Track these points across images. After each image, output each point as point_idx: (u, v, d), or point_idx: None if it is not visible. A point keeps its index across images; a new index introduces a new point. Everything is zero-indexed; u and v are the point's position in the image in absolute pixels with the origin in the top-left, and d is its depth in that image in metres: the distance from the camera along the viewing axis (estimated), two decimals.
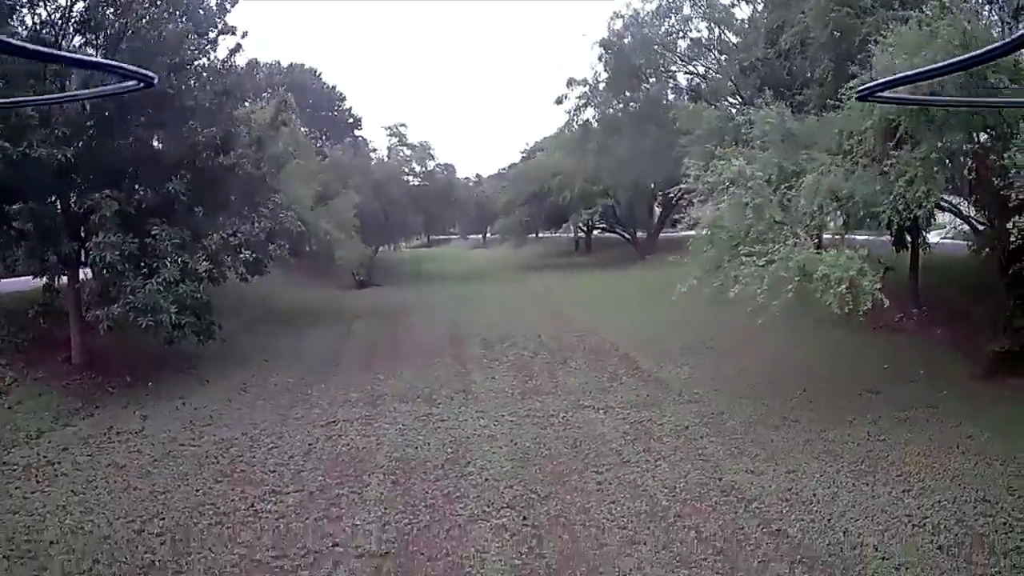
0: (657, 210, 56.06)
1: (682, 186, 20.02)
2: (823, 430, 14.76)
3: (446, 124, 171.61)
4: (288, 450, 14.38)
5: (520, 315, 30.33)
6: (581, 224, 56.11)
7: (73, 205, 19.24)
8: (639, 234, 55.26)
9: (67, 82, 18.04)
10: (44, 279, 19.38)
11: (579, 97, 46.06)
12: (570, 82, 45.70)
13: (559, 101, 46.89)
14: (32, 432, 15.12)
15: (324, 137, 46.19)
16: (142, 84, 2.04)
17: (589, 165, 49.05)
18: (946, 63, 2.05)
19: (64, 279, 19.63)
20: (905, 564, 9.39)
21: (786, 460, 13.33)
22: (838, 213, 18.29)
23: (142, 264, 18.20)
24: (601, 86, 44.24)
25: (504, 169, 74.34)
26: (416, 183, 52.75)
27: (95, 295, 18.75)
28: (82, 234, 19.03)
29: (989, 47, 1.68)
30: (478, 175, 79.52)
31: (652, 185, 46.29)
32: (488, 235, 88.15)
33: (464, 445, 14.51)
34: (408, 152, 50.60)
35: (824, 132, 17.67)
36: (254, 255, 22.51)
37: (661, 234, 53.43)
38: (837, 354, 20.70)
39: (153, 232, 18.38)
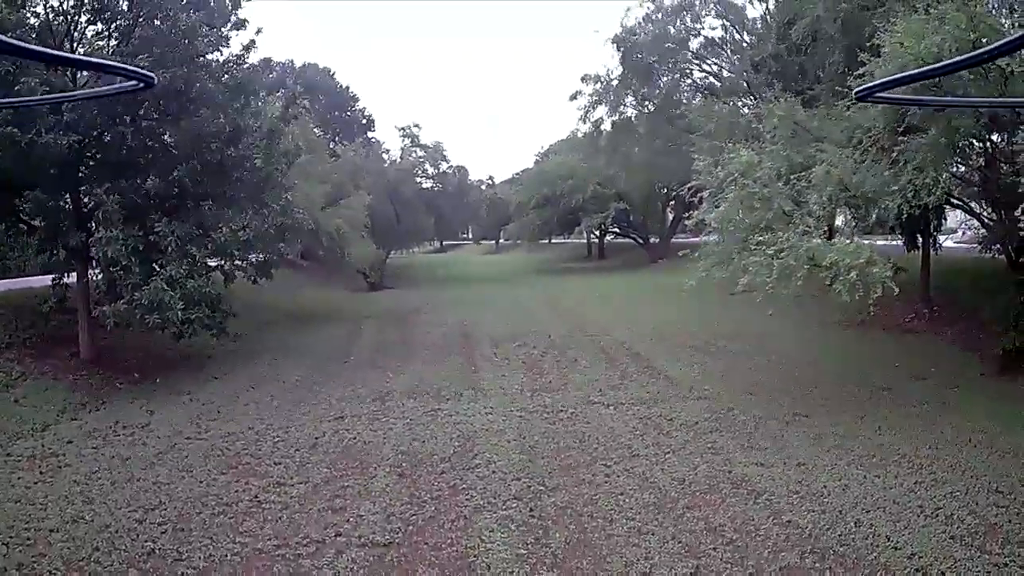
0: (669, 214, 55.86)
1: (693, 183, 19.88)
2: (834, 424, 14.57)
3: (460, 127, 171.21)
4: (294, 443, 14.25)
5: (531, 316, 30.24)
6: (593, 228, 55.90)
7: (82, 198, 19.22)
8: (652, 239, 55.04)
9: (78, 73, 18.00)
10: (53, 275, 19.38)
11: (591, 94, 45.74)
12: (584, 78, 45.49)
13: (573, 97, 46.46)
14: (38, 424, 15.08)
15: (337, 138, 45.93)
16: (142, 84, 2.05)
17: (602, 166, 49.01)
18: (946, 63, 2.02)
19: (74, 275, 19.59)
20: (918, 553, 9.14)
21: (797, 454, 13.10)
22: (848, 213, 18.12)
23: (149, 260, 18.11)
24: (614, 83, 43.81)
25: (518, 173, 74.17)
26: (428, 185, 52.58)
27: (102, 291, 18.68)
28: (91, 228, 18.95)
29: (989, 47, 1.66)
30: (491, 177, 79.06)
31: (664, 188, 46.03)
32: (501, 240, 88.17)
33: (471, 439, 14.34)
34: (421, 153, 50.44)
35: (834, 125, 17.48)
36: (264, 255, 22.41)
37: (673, 239, 53.18)
38: (848, 354, 20.52)
39: (157, 228, 18.29)
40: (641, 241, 54.98)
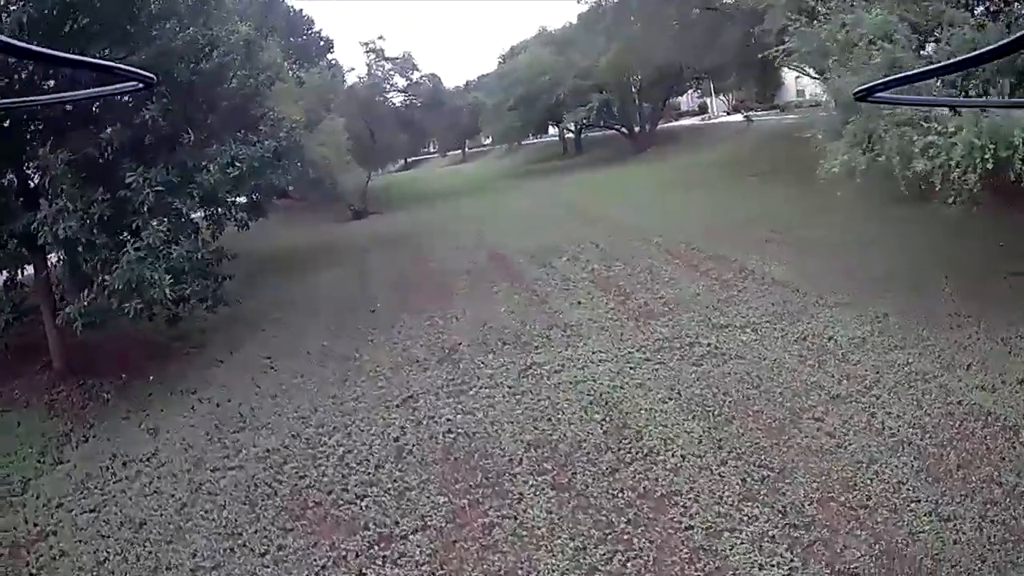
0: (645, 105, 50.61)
1: (787, 45, 15.63)
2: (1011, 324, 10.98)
3: (430, 37, 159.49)
4: (368, 454, 9.82)
5: (553, 224, 25.47)
6: (576, 123, 50.63)
7: (27, 169, 14.09)
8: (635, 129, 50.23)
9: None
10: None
11: None
12: None
13: None
14: (15, 485, 10.27)
15: (297, 64, 39.99)
16: (142, 85, 1.58)
17: (577, 59, 43.45)
18: (946, 63, 1.57)
19: (31, 268, 14.53)
20: None
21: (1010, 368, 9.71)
22: None
23: (118, 228, 13.08)
24: None
25: (482, 77, 67.99)
26: (402, 100, 46.48)
27: (64, 285, 13.75)
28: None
29: (990, 47, 1.28)
30: (467, 82, 71.48)
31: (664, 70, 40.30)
32: (467, 149, 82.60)
33: (613, 407, 10.06)
34: (389, 67, 44.19)
35: None
36: (256, 193, 17.43)
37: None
38: (953, 236, 16.22)
39: (129, 180, 13.24)
40: (626, 131, 50.02)
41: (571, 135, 58.01)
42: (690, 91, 60.66)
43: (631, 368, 11.25)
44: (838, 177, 13.81)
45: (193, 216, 14.04)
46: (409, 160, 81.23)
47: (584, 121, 48.33)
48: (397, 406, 11.30)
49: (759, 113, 42.28)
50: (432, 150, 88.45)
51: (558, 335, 13.26)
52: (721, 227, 20.59)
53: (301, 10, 49.28)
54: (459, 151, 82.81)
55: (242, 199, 17.51)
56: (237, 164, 14.42)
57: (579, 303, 15.10)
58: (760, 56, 19.34)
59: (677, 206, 25.13)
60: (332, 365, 13.87)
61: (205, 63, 14.91)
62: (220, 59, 15.13)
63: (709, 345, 11.88)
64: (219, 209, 15.48)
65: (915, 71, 1.75)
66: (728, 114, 58.86)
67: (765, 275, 15.48)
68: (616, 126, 50.12)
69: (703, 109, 64.65)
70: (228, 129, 15.71)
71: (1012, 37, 1.27)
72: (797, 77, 45.54)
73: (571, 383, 10.99)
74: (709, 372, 10.79)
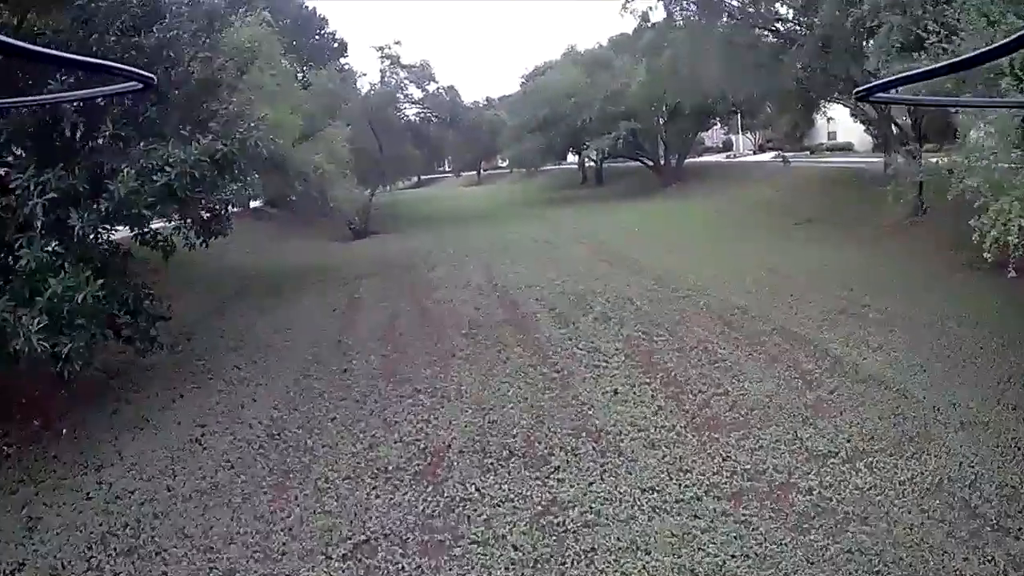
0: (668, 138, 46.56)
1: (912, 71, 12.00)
2: None
3: (451, 48, 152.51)
4: None
5: (576, 265, 21.52)
6: (600, 151, 46.67)
7: None
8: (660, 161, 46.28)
9: None
10: None
11: None
12: None
13: None
14: None
15: (307, 67, 35.94)
16: (142, 85, 1.60)
17: (608, 80, 39.43)
18: (946, 63, 1.52)
19: None
20: None
21: None
22: None
23: None
24: None
25: (503, 98, 63.98)
26: (415, 112, 42.32)
27: None
28: None
29: (990, 47, 1.33)
30: (487, 98, 66.77)
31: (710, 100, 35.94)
32: (483, 171, 78.85)
33: None
34: (404, 75, 40.02)
35: None
36: (208, 206, 13.54)
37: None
38: None
39: (15, 184, 9.37)
40: (652, 164, 46.11)
41: (591, 163, 54.29)
42: (716, 126, 57.08)
43: (701, 529, 7.22)
44: (894, 228, 10.67)
45: (88, 234, 9.98)
46: (422, 178, 77.39)
47: (607, 150, 44.39)
48: (343, 558, 7.28)
49: (792, 154, 38.71)
50: (447, 169, 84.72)
51: (587, 449, 9.19)
52: (779, 287, 16.81)
53: (314, 9, 45.49)
54: (474, 172, 79.10)
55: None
56: (168, 169, 10.42)
57: (615, 393, 11.03)
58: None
59: (721, 255, 21.29)
60: (274, 457, 9.89)
61: (143, 36, 11.04)
62: (164, 33, 11.23)
63: (811, 492, 7.87)
64: (136, 230, 11.50)
65: (915, 71, 1.61)
66: (753, 153, 55.27)
67: (856, 366, 11.56)
68: (642, 157, 46.27)
69: (727, 146, 61.24)
70: (170, 123, 11.73)
71: (1012, 37, 1.25)
72: (829, 119, 41.66)
73: (609, 551, 6.96)
74: (822, 549, 6.79)
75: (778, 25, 25.23)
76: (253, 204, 38.09)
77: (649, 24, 33.16)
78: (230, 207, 14.00)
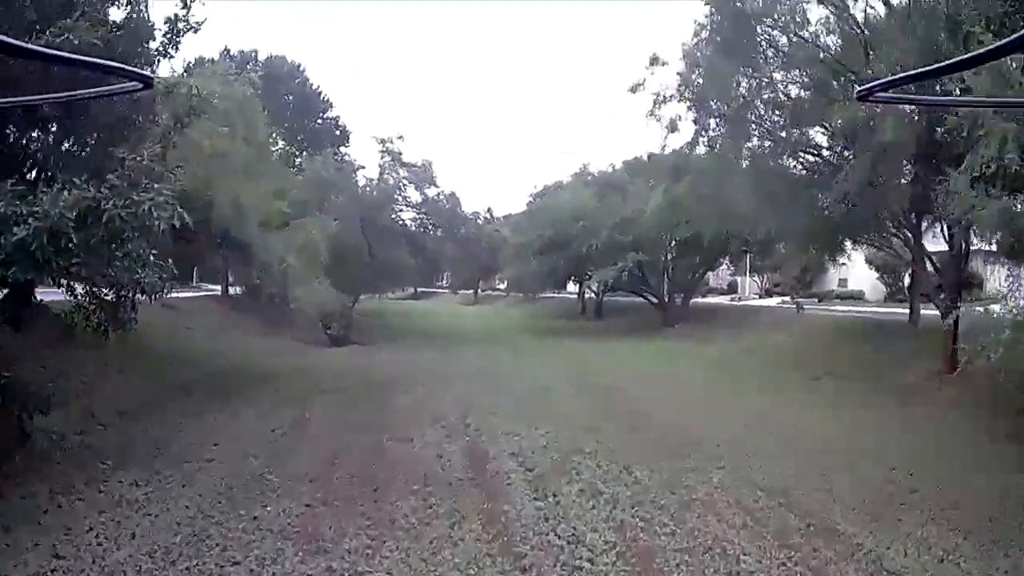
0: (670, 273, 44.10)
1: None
2: None
3: (454, 151, 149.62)
4: None
5: (568, 411, 18.35)
6: (596, 283, 43.91)
7: None
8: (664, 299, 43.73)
9: None
10: None
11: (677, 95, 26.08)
12: (654, 60, 27.01)
13: (634, 90, 27.91)
14: None
15: (303, 151, 33.68)
16: (142, 85, 1.65)
17: (619, 205, 37.15)
18: (946, 63, 1.61)
19: None
20: None
21: None
22: None
23: None
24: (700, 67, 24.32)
25: (508, 216, 61.76)
26: (412, 216, 39.51)
27: None
28: None
29: (990, 47, 1.38)
30: (489, 210, 62.26)
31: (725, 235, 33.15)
32: (480, 291, 76.45)
33: None
34: (404, 173, 37.42)
35: None
36: (111, 284, 10.57)
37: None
38: None
39: None
40: (655, 300, 43.47)
41: (591, 295, 51.80)
42: (723, 267, 54.79)
43: None
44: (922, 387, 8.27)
45: None
46: (418, 291, 74.99)
47: (611, 281, 41.53)
48: None
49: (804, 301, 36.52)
50: (444, 284, 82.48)
51: None
52: (811, 459, 13.84)
53: (319, 89, 43.33)
54: (471, 291, 76.79)
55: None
56: (31, 222, 7.45)
57: None
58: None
59: (736, 413, 18.32)
60: None
61: (47, 34, 8.42)
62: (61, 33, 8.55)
63: None
64: None
65: (915, 71, 1.60)
66: (759, 296, 52.99)
67: None
68: (645, 293, 43.72)
69: (732, 288, 59.06)
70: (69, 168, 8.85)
71: (1012, 37, 1.27)
72: (842, 264, 39.21)
73: None
74: None
75: (811, 153, 22.88)
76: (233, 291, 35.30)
77: (676, 131, 29.33)
78: (133, 294, 10.77)
